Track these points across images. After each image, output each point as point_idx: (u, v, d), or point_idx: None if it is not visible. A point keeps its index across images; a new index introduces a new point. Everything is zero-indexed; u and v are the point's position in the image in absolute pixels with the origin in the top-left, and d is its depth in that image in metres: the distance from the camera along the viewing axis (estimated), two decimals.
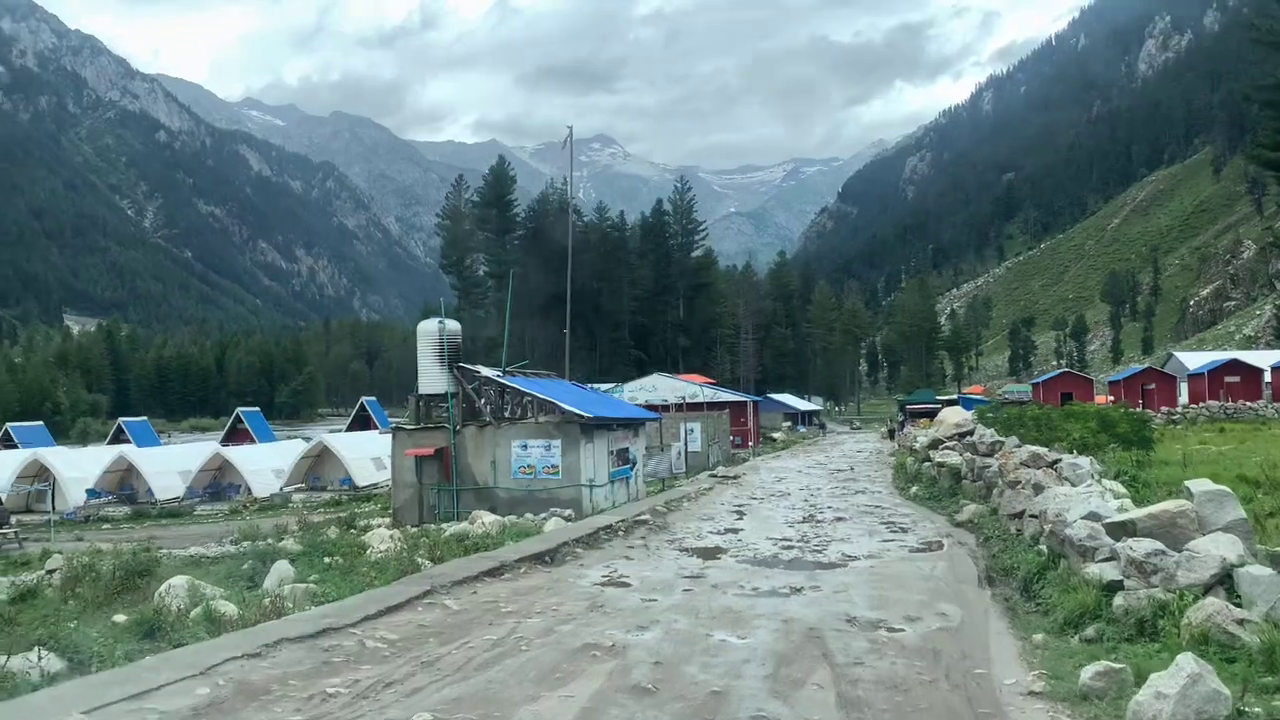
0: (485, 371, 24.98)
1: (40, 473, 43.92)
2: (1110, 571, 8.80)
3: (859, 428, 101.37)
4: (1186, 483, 9.56)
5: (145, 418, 73.25)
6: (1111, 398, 55.02)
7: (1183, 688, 5.32)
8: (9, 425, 65.23)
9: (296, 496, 40.91)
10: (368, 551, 16.11)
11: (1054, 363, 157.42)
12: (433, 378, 24.44)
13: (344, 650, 8.00)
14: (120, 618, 10.59)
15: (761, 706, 6.57)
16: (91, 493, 42.34)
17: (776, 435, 71.08)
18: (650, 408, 43.51)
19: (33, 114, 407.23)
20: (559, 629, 9.03)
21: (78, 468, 44.46)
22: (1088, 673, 6.46)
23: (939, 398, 68.68)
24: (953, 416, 24.92)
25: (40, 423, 70.44)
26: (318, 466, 45.61)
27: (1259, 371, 58.64)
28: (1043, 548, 11.25)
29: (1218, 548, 7.96)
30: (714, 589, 11.24)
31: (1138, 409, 36.26)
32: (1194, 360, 68.13)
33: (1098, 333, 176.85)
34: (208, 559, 20.64)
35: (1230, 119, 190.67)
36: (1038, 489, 13.49)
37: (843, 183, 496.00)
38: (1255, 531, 9.44)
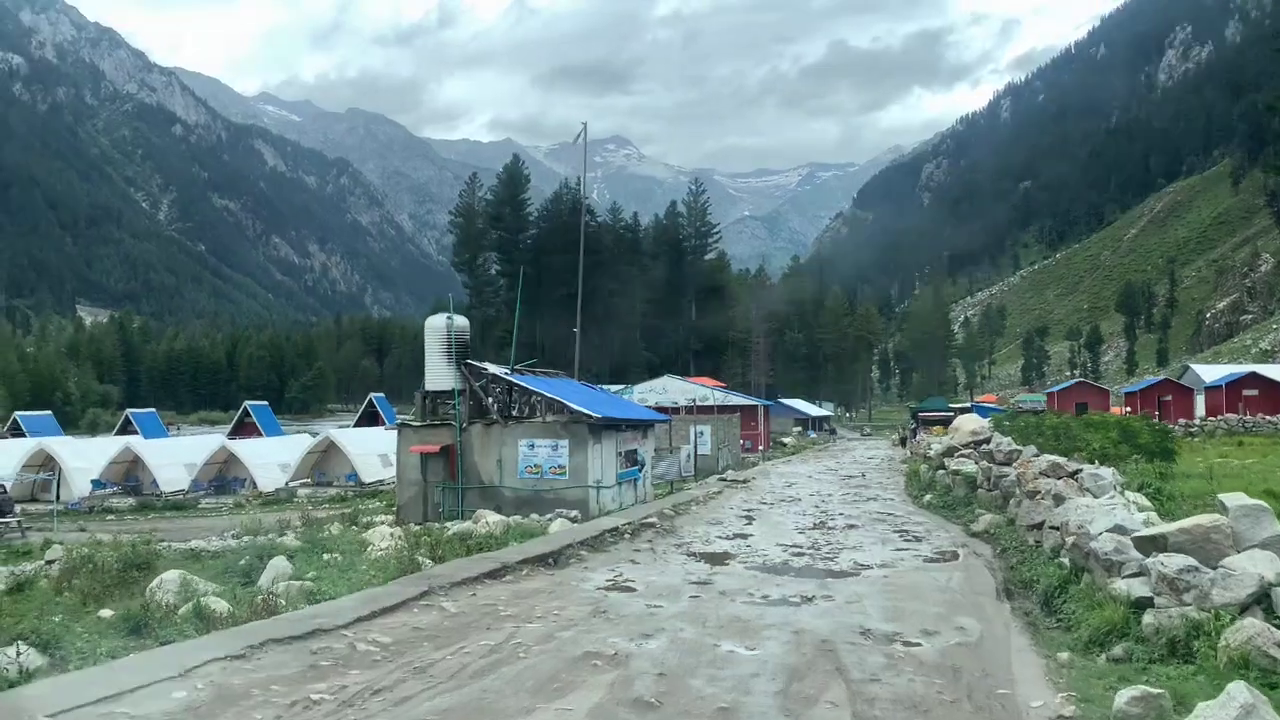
0: (493, 369, 24.65)
1: (46, 462, 43.88)
2: (1139, 587, 8.38)
3: (869, 434, 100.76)
4: (1220, 496, 9.12)
5: (153, 409, 73.14)
6: (1127, 409, 54.45)
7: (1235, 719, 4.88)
8: (17, 414, 65.36)
9: (301, 491, 40.66)
10: (368, 549, 15.76)
11: (1067, 373, 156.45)
12: (440, 374, 24.10)
13: (333, 653, 7.62)
14: (106, 613, 10.25)
15: None
16: (97, 483, 42.25)
17: (787, 440, 70.67)
18: (660, 410, 43.13)
19: (50, 105, 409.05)
20: (559, 635, 8.64)
21: (84, 458, 44.40)
22: (1123, 697, 6.00)
23: (951, 405, 68.08)
24: (969, 424, 24.43)
25: (49, 412, 70.47)
26: (324, 462, 45.36)
27: (1278, 385, 57.92)
28: (1064, 560, 10.84)
29: (1255, 565, 7.54)
30: (722, 596, 10.85)
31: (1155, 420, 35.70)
32: (1211, 373, 67.39)
33: (1112, 344, 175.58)
34: (208, 553, 20.39)
35: (1250, 131, 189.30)
36: (1058, 500, 13.06)
37: (858, 188, 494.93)
38: None
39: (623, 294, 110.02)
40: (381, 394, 79.00)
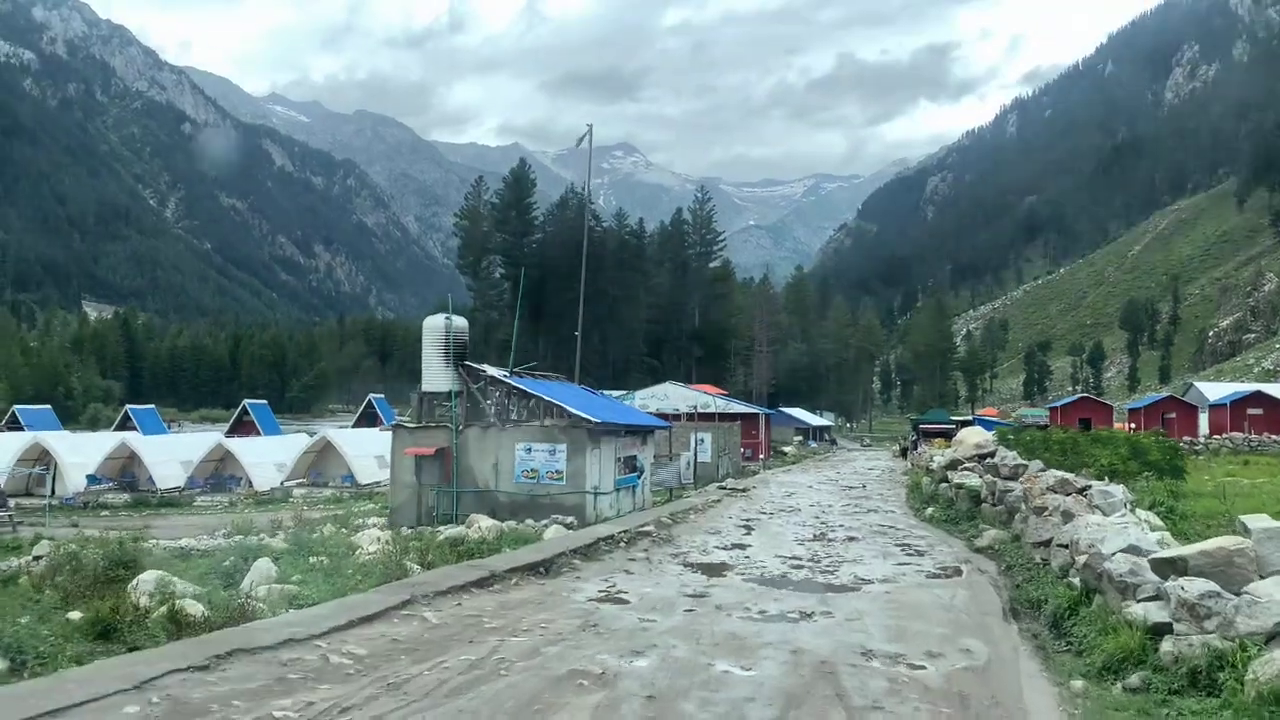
0: (491, 371, 24.24)
1: (41, 456, 43.53)
2: (1156, 612, 7.95)
3: (870, 445, 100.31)
4: (1242, 518, 8.68)
5: (153, 405, 72.79)
6: (1131, 425, 53.97)
7: None
8: (15, 407, 65.00)
9: (297, 491, 40.25)
10: (356, 553, 15.36)
11: (1069, 388, 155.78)
12: (437, 375, 23.68)
13: (304, 665, 7.20)
14: (75, 615, 9.84)
15: None
16: (92, 479, 41.87)
17: (787, 449, 70.28)
18: (661, 416, 42.63)
19: (60, 101, 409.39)
20: (545, 650, 8.22)
21: (80, 453, 44.03)
22: None
23: (953, 418, 67.64)
24: (973, 437, 24.02)
25: (47, 406, 70.14)
26: (320, 462, 44.98)
27: None
28: (1074, 580, 10.39)
29: None
30: (718, 610, 10.44)
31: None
32: (1215, 391, 66.83)
33: (1114, 360, 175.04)
34: (198, 551, 20.04)
35: (1256, 150, 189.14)
36: (1067, 516, 12.63)
37: (863, 200, 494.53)
38: None
39: (626, 299, 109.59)
40: (381, 395, 78.65)
